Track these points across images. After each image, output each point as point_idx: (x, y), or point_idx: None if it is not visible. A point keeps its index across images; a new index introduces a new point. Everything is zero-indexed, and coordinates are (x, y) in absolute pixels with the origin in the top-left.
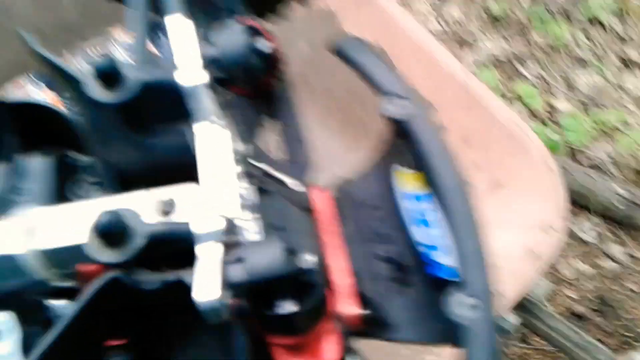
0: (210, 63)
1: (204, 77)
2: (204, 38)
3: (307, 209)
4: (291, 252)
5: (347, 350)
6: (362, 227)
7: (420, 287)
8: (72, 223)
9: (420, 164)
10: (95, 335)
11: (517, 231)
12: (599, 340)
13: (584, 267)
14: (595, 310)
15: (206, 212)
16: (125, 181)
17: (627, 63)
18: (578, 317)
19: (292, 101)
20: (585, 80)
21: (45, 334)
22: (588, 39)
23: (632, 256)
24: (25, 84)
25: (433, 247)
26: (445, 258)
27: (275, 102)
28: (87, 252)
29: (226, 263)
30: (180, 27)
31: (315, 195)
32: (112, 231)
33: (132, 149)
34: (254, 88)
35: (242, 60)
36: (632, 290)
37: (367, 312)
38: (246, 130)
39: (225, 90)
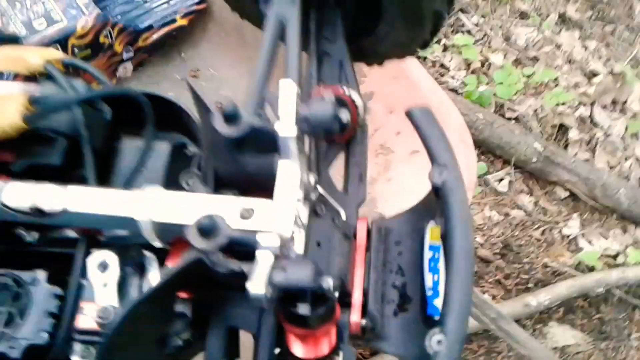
0: (302, 121)
1: (294, 131)
2: (303, 101)
3: (348, 236)
4: (319, 274)
5: (340, 347)
6: (384, 256)
7: (414, 316)
8: (180, 207)
9: (444, 223)
10: (174, 291)
11: None
12: (498, 281)
13: (494, 215)
14: (498, 254)
15: (269, 227)
16: (220, 182)
17: (565, 19)
18: (482, 260)
19: (366, 147)
20: (523, 34)
21: (143, 282)
22: None
23: (539, 206)
24: None
25: (436, 294)
26: (438, 302)
27: (353, 146)
28: (188, 238)
29: (274, 268)
30: (288, 90)
31: (358, 226)
32: (207, 229)
33: (232, 162)
34: (331, 139)
35: (325, 125)
36: (533, 238)
37: (366, 323)
38: (321, 162)
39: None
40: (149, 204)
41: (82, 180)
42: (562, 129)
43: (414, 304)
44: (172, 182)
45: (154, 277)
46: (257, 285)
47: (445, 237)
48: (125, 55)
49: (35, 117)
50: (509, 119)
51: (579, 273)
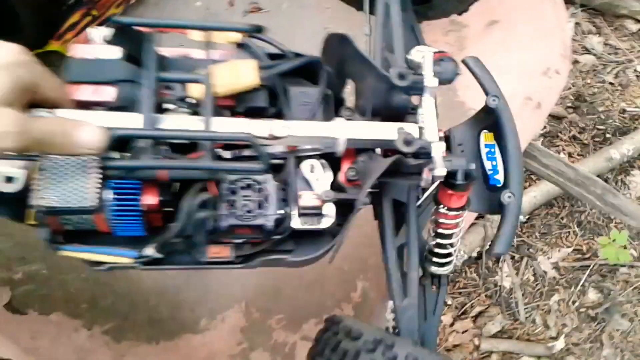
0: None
1: (436, 83)
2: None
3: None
4: (469, 162)
5: (467, 204)
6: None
7: (479, 188)
8: (363, 130)
9: (498, 131)
10: None
11: (516, 79)
12: (573, 137)
13: None
14: (570, 108)
15: (428, 137)
16: (374, 112)
17: None
18: (554, 117)
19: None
20: None
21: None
22: None
23: (609, 45)
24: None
25: (496, 172)
26: (498, 176)
27: None
28: (395, 146)
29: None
30: (428, 54)
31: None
32: (409, 140)
33: (386, 99)
34: None
35: (451, 79)
36: (607, 82)
37: None
38: None
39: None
40: (344, 128)
41: (278, 116)
42: None
43: (477, 180)
44: (328, 115)
45: (329, 175)
46: (440, 171)
47: (500, 138)
48: None
49: (266, 78)
50: None
51: None
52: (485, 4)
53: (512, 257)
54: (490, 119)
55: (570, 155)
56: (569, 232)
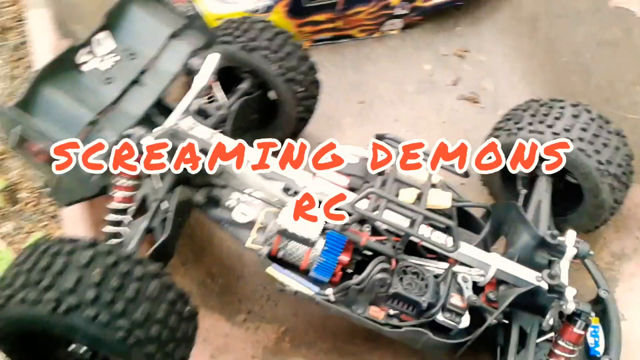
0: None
1: (573, 252)
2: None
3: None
4: (590, 307)
5: None
6: None
7: (581, 356)
8: (514, 268)
9: (605, 316)
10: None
11: None
12: None
13: None
14: None
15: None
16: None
17: None
18: None
19: None
20: None
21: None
22: None
23: None
24: None
25: (597, 345)
26: (598, 349)
27: None
28: (542, 276)
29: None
30: (572, 237)
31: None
32: (553, 275)
33: (530, 254)
34: None
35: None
36: None
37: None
38: None
39: None
40: (498, 260)
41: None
42: None
43: (579, 352)
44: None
45: (469, 292)
46: (570, 305)
47: (606, 322)
48: (397, 11)
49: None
50: None
51: None
52: None
53: None
54: (598, 307)
55: None
56: None
